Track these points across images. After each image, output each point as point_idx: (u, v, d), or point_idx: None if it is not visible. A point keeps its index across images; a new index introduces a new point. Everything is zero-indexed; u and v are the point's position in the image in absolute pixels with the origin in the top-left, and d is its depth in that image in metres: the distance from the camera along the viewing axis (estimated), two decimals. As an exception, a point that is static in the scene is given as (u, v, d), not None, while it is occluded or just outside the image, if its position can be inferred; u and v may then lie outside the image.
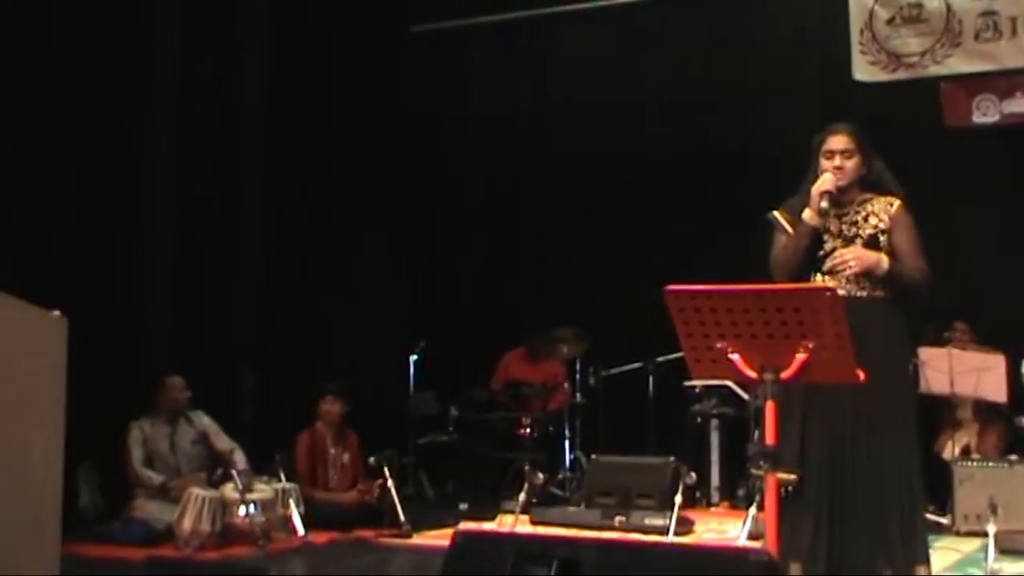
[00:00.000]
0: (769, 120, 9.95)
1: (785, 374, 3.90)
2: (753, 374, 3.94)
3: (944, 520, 7.35)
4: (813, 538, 4.38)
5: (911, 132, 8.68)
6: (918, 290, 4.55)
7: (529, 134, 11.19)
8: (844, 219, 4.62)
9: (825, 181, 4.54)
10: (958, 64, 9.12)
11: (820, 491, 4.41)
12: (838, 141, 4.62)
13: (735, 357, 3.94)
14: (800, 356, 3.86)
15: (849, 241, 4.59)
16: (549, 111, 11.12)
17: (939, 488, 7.47)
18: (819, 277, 4.59)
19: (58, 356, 4.56)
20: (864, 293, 4.53)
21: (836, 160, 4.59)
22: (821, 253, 4.61)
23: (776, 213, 4.67)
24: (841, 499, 4.41)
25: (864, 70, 9.36)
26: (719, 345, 3.95)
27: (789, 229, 4.61)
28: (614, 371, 9.65)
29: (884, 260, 4.50)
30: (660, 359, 9.10)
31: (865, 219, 4.60)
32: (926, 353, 7.72)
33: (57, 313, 4.62)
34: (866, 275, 4.52)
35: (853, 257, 4.50)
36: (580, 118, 10.99)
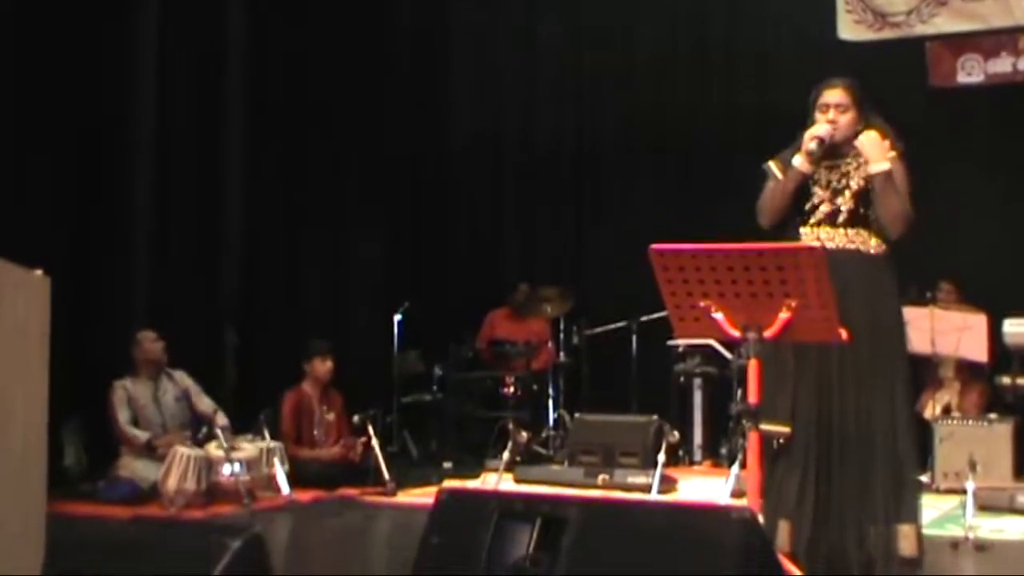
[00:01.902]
0: (753, 81, 9.95)
1: (768, 333, 3.91)
2: (736, 333, 3.95)
3: (924, 478, 7.41)
4: (799, 496, 4.40)
5: (896, 92, 8.68)
6: (897, 221, 4.49)
7: (516, 95, 11.17)
8: (835, 170, 4.61)
9: (819, 127, 4.53)
10: (944, 23, 9.11)
11: (807, 448, 4.42)
12: (833, 95, 4.60)
13: (718, 316, 3.95)
14: (783, 315, 3.87)
15: (838, 193, 4.57)
16: (536, 72, 11.09)
17: (920, 446, 7.52)
18: (807, 230, 4.59)
19: (41, 316, 4.55)
20: (854, 246, 4.53)
21: (830, 114, 4.58)
22: (809, 206, 4.60)
23: (771, 163, 4.67)
24: (828, 456, 4.42)
25: (849, 29, 9.34)
26: (703, 304, 3.97)
27: (780, 176, 4.60)
28: (598, 330, 9.68)
29: (888, 164, 4.46)
30: (644, 318, 9.13)
31: (856, 169, 4.57)
32: (908, 312, 7.71)
33: (39, 272, 4.60)
34: (862, 196, 4.50)
35: (868, 140, 4.47)
36: (567, 79, 10.98)
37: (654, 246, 3.97)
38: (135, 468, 7.05)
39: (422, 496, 7.13)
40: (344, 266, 10.26)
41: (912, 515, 4.48)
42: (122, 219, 8.21)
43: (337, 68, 10.13)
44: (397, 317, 9.91)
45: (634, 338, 9.49)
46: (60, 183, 7.84)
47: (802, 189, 4.59)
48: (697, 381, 9.21)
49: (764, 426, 4.00)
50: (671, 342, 8.90)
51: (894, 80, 8.86)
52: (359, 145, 10.40)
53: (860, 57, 9.00)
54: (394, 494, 7.35)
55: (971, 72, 9.18)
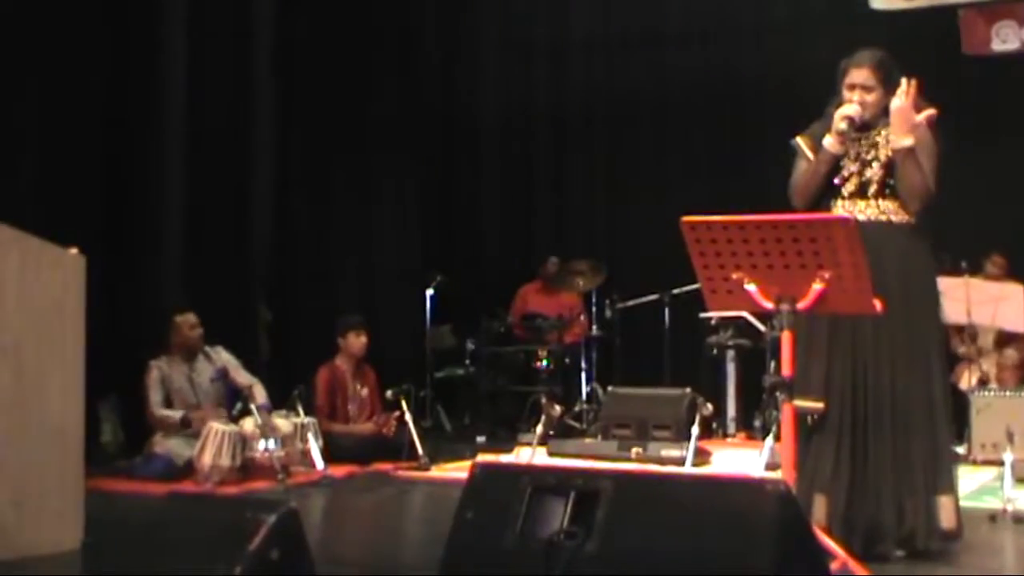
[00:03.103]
0: (785, 50, 9.87)
1: (801, 305, 3.90)
2: (769, 305, 3.94)
3: (961, 450, 7.35)
4: (833, 469, 4.39)
5: (929, 61, 8.57)
6: (915, 197, 4.45)
7: (547, 63, 11.13)
8: (864, 142, 4.58)
9: (848, 108, 4.50)
10: (977, -10, 9.00)
11: (841, 421, 4.40)
12: (859, 75, 4.55)
13: (751, 288, 3.94)
14: (817, 286, 3.86)
15: (867, 164, 4.55)
16: (567, 41, 11.05)
17: (956, 418, 7.46)
18: (839, 203, 4.56)
19: (76, 294, 4.58)
20: (885, 217, 4.50)
21: (856, 94, 4.54)
22: (838, 179, 4.56)
23: (799, 139, 4.65)
24: (863, 429, 4.40)
25: (881, -2, 9.24)
26: (735, 276, 3.96)
27: (810, 155, 4.59)
28: (630, 303, 9.67)
29: (911, 140, 4.40)
30: (676, 291, 9.11)
31: (887, 141, 4.53)
32: (942, 283, 7.64)
33: (75, 251, 4.64)
34: (888, 169, 4.46)
35: (902, 106, 4.40)
36: (598, 48, 10.93)
37: (685, 218, 3.95)
38: (170, 445, 7.09)
39: (456, 471, 7.16)
40: (376, 240, 10.28)
41: (950, 486, 4.46)
42: (155, 196, 8.23)
43: (366, 39, 10.12)
44: (429, 291, 9.93)
45: (667, 311, 9.47)
46: (93, 161, 7.87)
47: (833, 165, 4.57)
48: (730, 353, 9.19)
49: (798, 402, 3.99)
50: (704, 315, 8.87)
51: (927, 49, 8.77)
52: (390, 117, 10.40)
53: (892, 25, 8.91)
54: (428, 469, 7.37)
55: (1006, 39, 9.06)
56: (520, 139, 11.23)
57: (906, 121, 4.40)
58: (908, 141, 4.40)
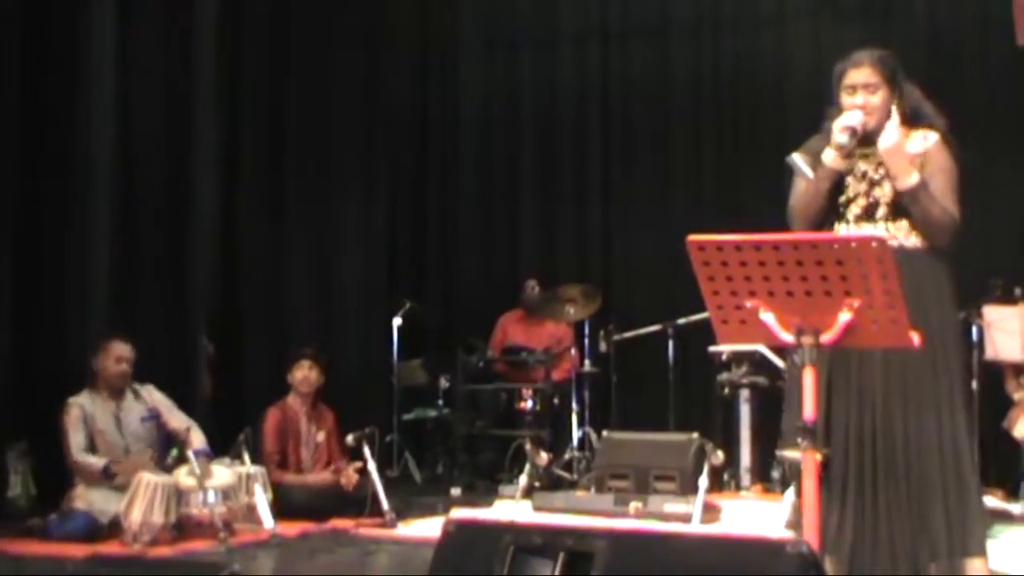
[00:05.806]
0: (809, 44, 9.92)
1: (826, 338, 3.91)
2: (789, 337, 3.95)
3: (1016, 508, 7.36)
4: (838, 526, 4.41)
5: (979, 54, 8.63)
6: (939, 232, 4.48)
7: (534, 57, 11.17)
8: (871, 158, 4.60)
9: (850, 116, 4.52)
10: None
11: (846, 472, 4.43)
12: (859, 75, 4.58)
13: (768, 318, 3.95)
14: (844, 317, 3.87)
15: (875, 184, 4.58)
16: (556, 39, 11.08)
17: (1009, 470, 7.47)
18: (842, 227, 4.59)
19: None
20: (896, 242, 4.48)
21: (858, 97, 4.57)
22: (843, 199, 4.59)
23: (796, 155, 4.66)
24: (873, 482, 4.42)
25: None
26: (750, 304, 3.97)
27: (810, 174, 4.59)
28: (628, 335, 9.68)
29: (916, 177, 4.42)
30: (681, 321, 9.13)
31: None
32: (993, 313, 7.68)
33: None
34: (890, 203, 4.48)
35: (890, 147, 4.42)
36: (591, 47, 10.96)
37: (692, 237, 3.97)
38: (92, 499, 7.04)
39: (427, 528, 7.16)
40: (335, 260, 10.26)
41: (982, 547, 4.46)
42: (78, 208, 8.18)
43: (326, 29, 10.15)
44: (397, 320, 9.93)
45: (670, 344, 9.49)
46: (1, 168, 7.83)
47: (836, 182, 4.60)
48: (744, 393, 9.19)
49: (788, 453, 4.01)
50: (714, 348, 8.90)
51: (976, 41, 8.80)
52: (352, 119, 10.39)
53: (936, 14, 8.96)
54: (394, 526, 7.37)
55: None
56: (503, 144, 11.25)
57: (902, 158, 4.44)
58: (913, 179, 4.44)
